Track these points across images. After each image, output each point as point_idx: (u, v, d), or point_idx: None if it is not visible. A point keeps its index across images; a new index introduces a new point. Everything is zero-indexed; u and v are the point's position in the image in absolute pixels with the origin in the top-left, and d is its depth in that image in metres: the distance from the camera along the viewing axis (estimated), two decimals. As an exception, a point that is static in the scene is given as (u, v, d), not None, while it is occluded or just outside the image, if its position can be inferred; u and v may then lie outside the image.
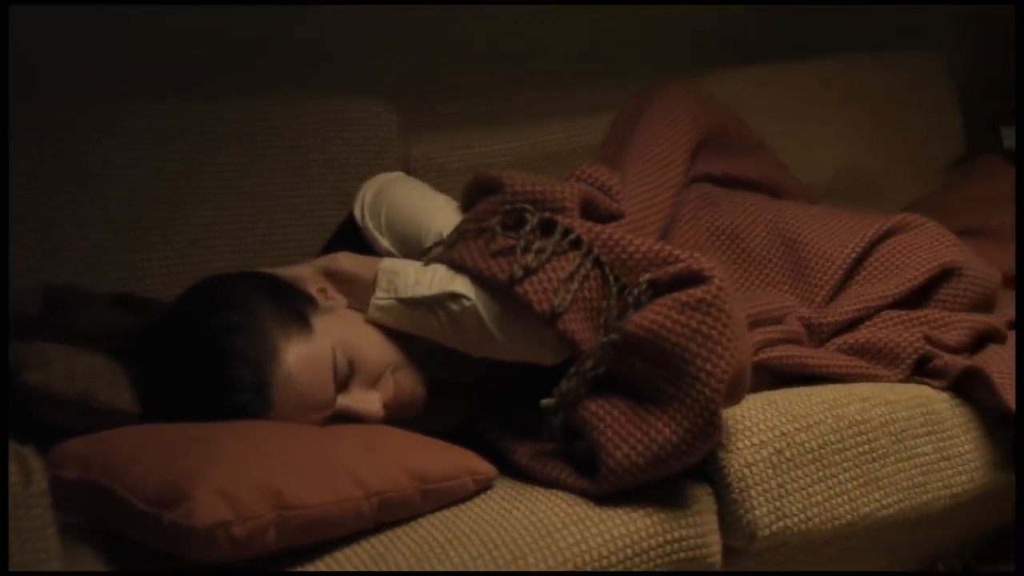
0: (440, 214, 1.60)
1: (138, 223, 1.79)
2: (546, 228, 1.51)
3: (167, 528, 1.13)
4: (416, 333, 1.51)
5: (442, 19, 2.35)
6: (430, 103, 2.23)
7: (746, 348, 1.39)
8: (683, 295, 1.35)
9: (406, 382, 1.50)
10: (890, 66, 2.67)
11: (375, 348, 1.48)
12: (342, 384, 1.43)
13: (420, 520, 1.32)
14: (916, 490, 1.58)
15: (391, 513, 1.29)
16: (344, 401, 1.43)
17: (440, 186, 2.00)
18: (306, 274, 1.54)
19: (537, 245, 1.48)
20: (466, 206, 1.63)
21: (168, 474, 1.18)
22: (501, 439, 1.51)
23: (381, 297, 1.50)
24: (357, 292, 1.53)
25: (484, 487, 1.40)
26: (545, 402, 1.42)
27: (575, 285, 1.45)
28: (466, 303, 1.47)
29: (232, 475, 1.17)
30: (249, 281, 1.46)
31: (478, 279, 1.48)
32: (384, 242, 1.61)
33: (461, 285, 1.48)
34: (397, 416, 1.48)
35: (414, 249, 1.58)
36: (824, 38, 2.81)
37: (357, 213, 1.64)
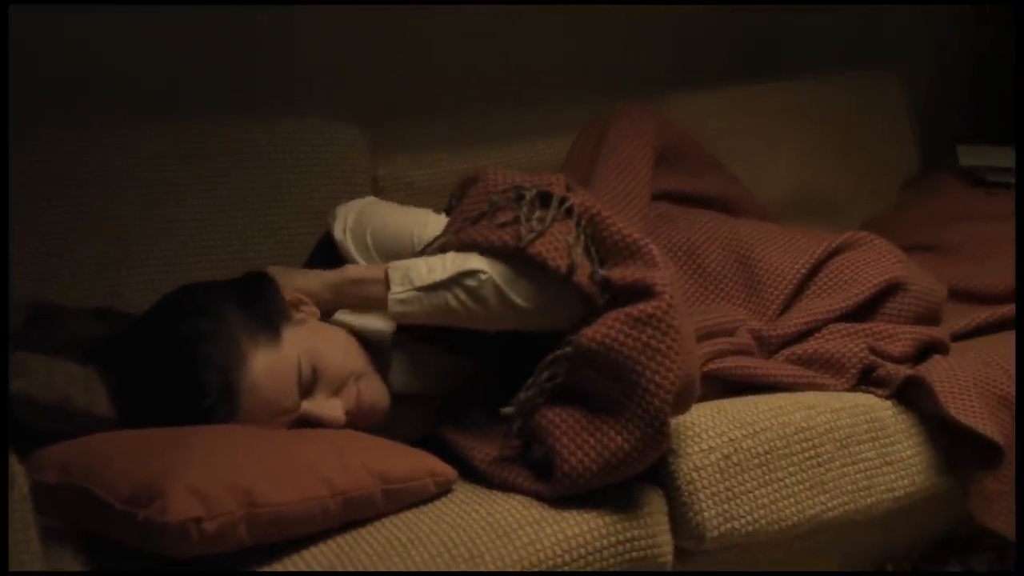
0: (428, 222, 1.68)
1: (117, 240, 1.85)
2: (543, 201, 1.59)
3: (141, 524, 1.20)
4: (440, 321, 1.57)
5: (409, 44, 2.42)
6: (397, 124, 2.30)
7: (694, 360, 1.46)
8: (634, 310, 1.43)
9: (368, 391, 1.56)
10: (848, 87, 2.75)
11: (340, 357, 1.54)
12: (306, 390, 1.50)
13: (383, 520, 1.38)
14: (860, 493, 1.66)
15: (355, 512, 1.36)
16: (308, 407, 1.49)
17: (408, 204, 2.08)
18: (313, 287, 1.61)
19: (538, 214, 1.56)
20: (451, 208, 1.71)
21: (142, 475, 1.25)
22: (461, 445, 1.57)
23: (398, 291, 1.55)
24: (372, 296, 1.58)
25: (445, 488, 1.47)
26: (505, 410, 1.50)
27: (579, 247, 1.53)
28: (483, 276, 1.53)
29: (204, 475, 1.24)
30: (221, 289, 1.53)
31: (490, 251, 1.55)
32: (364, 263, 1.67)
33: (475, 262, 1.54)
34: (359, 423, 1.54)
35: (403, 248, 1.65)
36: (784, 60, 2.89)
37: (339, 237, 1.69)
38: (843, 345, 1.80)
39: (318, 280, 1.62)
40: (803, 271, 1.91)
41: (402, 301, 1.54)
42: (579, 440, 1.43)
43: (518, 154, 2.23)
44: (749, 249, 1.95)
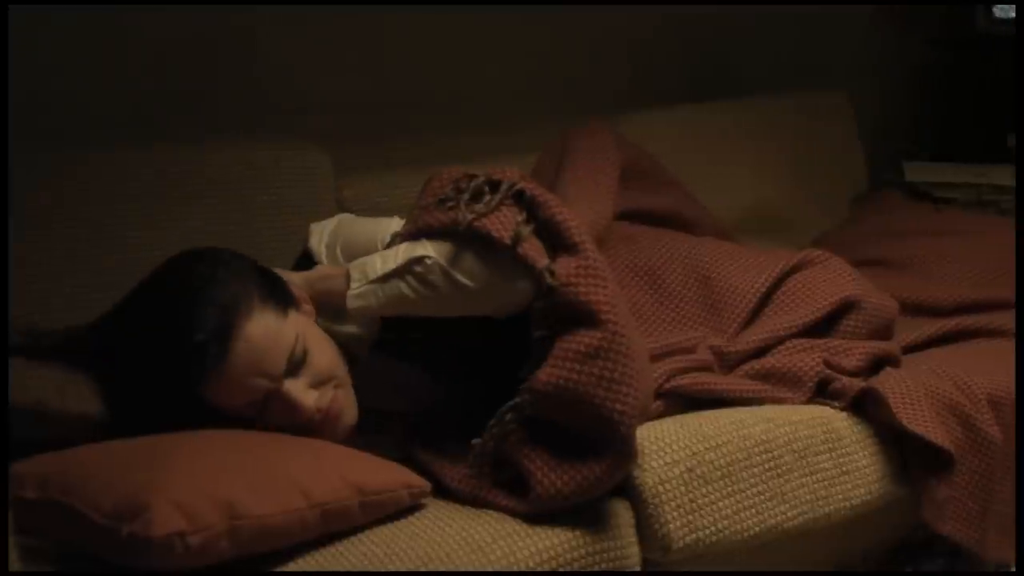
0: (392, 226, 1.72)
1: (87, 264, 1.86)
2: (492, 188, 1.63)
3: (126, 539, 1.22)
4: (396, 311, 1.60)
5: (371, 67, 2.46)
6: (360, 147, 2.33)
7: (648, 376, 1.52)
8: (582, 344, 1.46)
9: (343, 400, 1.58)
10: (797, 106, 2.82)
11: (329, 356, 1.57)
12: (292, 369, 1.51)
13: (360, 536, 1.41)
14: (818, 503, 1.72)
15: (333, 523, 1.38)
16: (287, 386, 1.50)
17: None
18: (296, 279, 1.64)
19: (487, 198, 1.60)
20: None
21: (124, 488, 1.27)
22: (433, 465, 1.60)
23: (355, 286, 1.59)
24: (334, 290, 1.61)
25: (419, 499, 1.50)
26: (475, 442, 1.53)
27: (527, 228, 1.57)
28: (428, 261, 1.57)
29: (186, 487, 1.26)
30: (247, 258, 1.58)
31: (436, 233, 1.60)
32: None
33: (421, 248, 1.59)
34: (325, 429, 1.55)
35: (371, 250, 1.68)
36: (735, 80, 2.96)
37: (316, 251, 1.73)
38: (799, 360, 1.86)
39: (298, 277, 1.66)
40: (763, 290, 1.96)
41: (359, 295, 1.58)
42: (551, 465, 1.48)
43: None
44: (709, 269, 2.00)
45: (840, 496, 1.74)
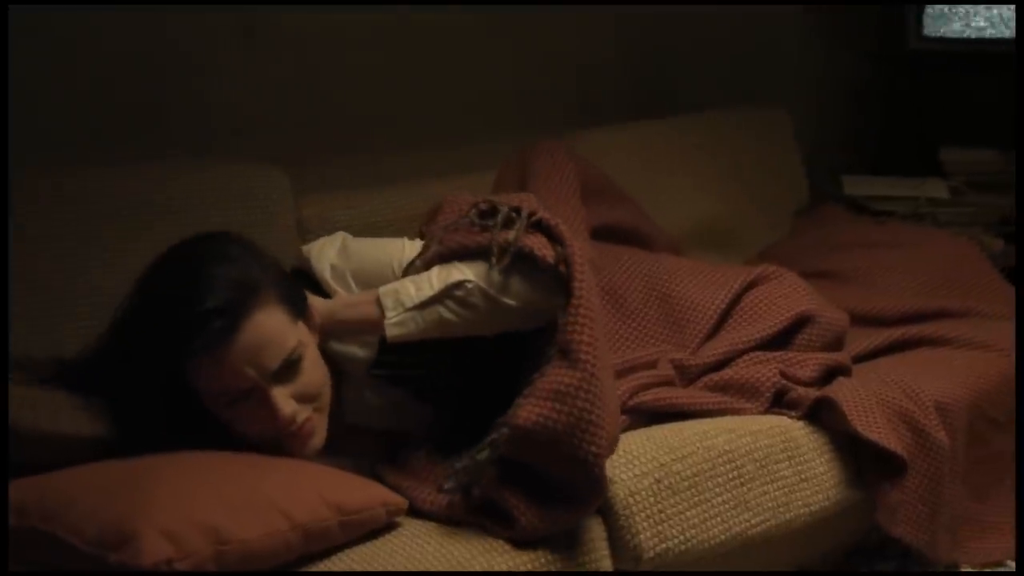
0: (405, 248, 1.74)
1: (46, 287, 1.84)
2: (515, 213, 1.68)
3: (113, 568, 1.22)
4: (437, 334, 1.62)
5: (324, 85, 2.47)
6: (317, 166, 2.34)
7: (617, 415, 1.58)
8: (560, 384, 1.48)
9: (317, 422, 1.58)
10: (740, 122, 2.88)
11: (319, 378, 1.58)
12: (283, 374, 1.52)
13: (340, 556, 1.43)
14: (780, 510, 1.77)
15: (314, 544, 1.40)
16: (273, 388, 1.51)
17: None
18: (318, 304, 1.65)
19: (517, 225, 1.64)
20: (422, 235, 1.78)
21: (109, 516, 1.27)
22: (405, 485, 1.61)
23: (392, 316, 1.60)
24: (366, 317, 1.63)
25: (395, 517, 1.52)
26: (448, 487, 1.55)
27: (553, 251, 1.63)
28: (469, 285, 1.61)
29: (172, 514, 1.27)
30: (275, 259, 1.61)
31: (472, 255, 1.63)
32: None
33: (458, 273, 1.61)
34: (291, 444, 1.55)
35: (384, 277, 1.70)
36: (680, 98, 3.01)
37: (323, 276, 1.72)
38: (756, 371, 1.92)
39: (320, 303, 1.66)
40: (723, 306, 2.02)
41: (398, 323, 1.60)
42: (526, 504, 1.50)
43: (440, 191, 2.26)
44: (669, 287, 2.05)
45: (800, 503, 1.79)
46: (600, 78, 2.92)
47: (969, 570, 2.03)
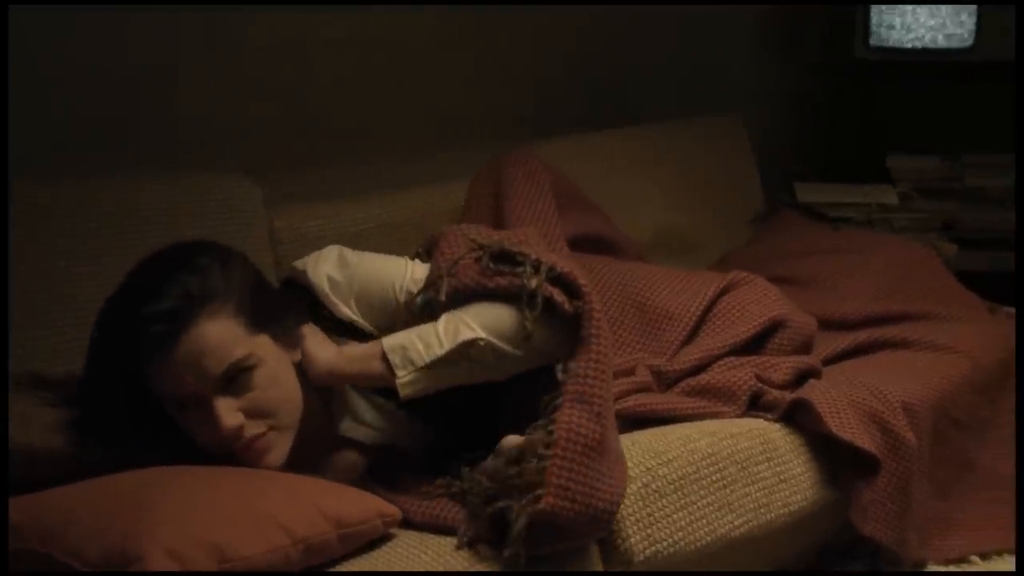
0: (407, 271, 1.73)
1: (22, 300, 1.81)
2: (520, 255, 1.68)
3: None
4: (449, 385, 1.62)
5: (296, 100, 2.47)
6: (289, 177, 2.33)
7: (624, 465, 1.59)
8: (586, 438, 1.48)
9: (273, 441, 1.55)
10: (696, 131, 2.93)
11: (279, 397, 1.56)
12: (229, 385, 1.50)
13: (339, 568, 1.42)
14: (761, 511, 1.80)
15: (314, 558, 1.39)
16: (216, 399, 1.49)
17: (304, 253, 2.10)
18: (330, 354, 1.64)
19: (540, 274, 1.64)
20: (419, 255, 1.78)
21: (112, 537, 1.25)
22: (396, 497, 1.60)
23: (403, 376, 1.59)
24: (373, 373, 1.61)
25: (391, 527, 1.51)
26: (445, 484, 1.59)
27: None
28: (480, 343, 1.60)
29: (176, 533, 1.26)
30: (255, 272, 1.60)
31: (490, 295, 1.62)
32: (346, 310, 1.70)
33: (467, 331, 1.60)
34: (243, 456, 1.53)
35: (383, 309, 1.70)
36: (636, 108, 3.06)
37: (323, 290, 1.71)
38: (732, 375, 1.94)
39: (331, 351, 1.64)
40: (698, 313, 2.05)
41: (410, 383, 1.59)
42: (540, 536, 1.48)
43: (412, 201, 2.29)
44: (644, 296, 2.07)
45: (780, 503, 1.82)
46: (559, 89, 2.96)
47: (936, 568, 2.07)
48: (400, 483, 1.65)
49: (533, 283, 1.61)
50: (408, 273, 1.72)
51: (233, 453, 1.52)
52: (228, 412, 1.49)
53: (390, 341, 1.62)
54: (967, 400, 2.20)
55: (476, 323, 1.61)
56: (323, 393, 1.66)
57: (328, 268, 1.74)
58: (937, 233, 2.99)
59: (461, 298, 1.65)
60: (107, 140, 2.19)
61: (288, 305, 1.64)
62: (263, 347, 1.54)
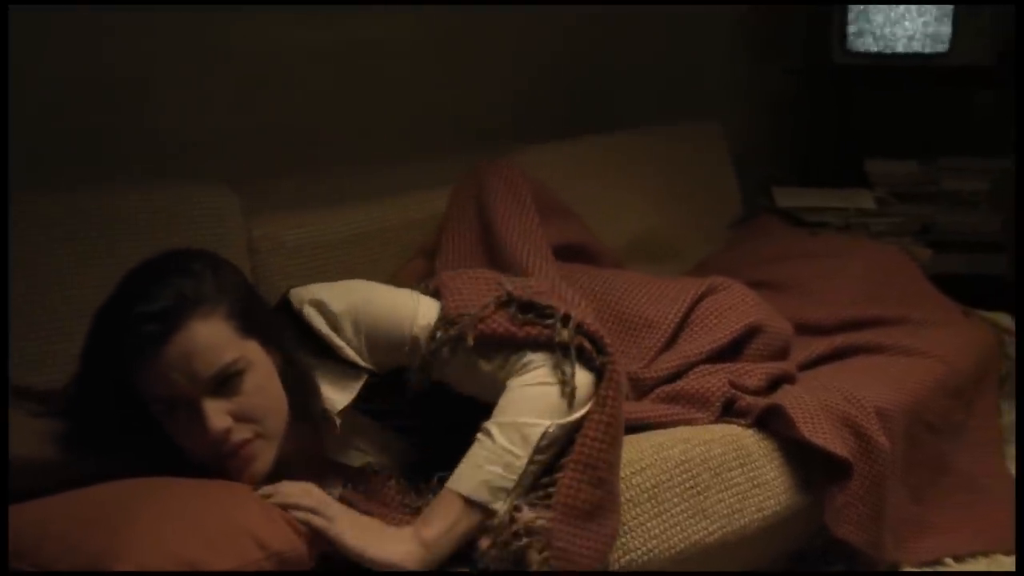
0: (419, 311, 1.67)
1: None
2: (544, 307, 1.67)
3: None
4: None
5: (274, 109, 2.49)
6: (267, 186, 2.35)
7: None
8: (583, 503, 1.52)
9: (258, 450, 1.53)
10: (675, 137, 2.96)
11: (266, 403, 1.54)
12: (219, 388, 1.49)
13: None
14: (734, 516, 1.82)
15: (287, 568, 1.40)
16: (205, 401, 1.47)
17: (282, 263, 2.13)
18: (428, 538, 1.54)
19: (571, 327, 1.63)
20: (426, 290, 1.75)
21: (84, 553, 1.26)
22: (373, 512, 1.59)
23: (503, 506, 1.51)
24: (470, 529, 1.53)
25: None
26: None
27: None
28: (550, 431, 1.55)
29: (149, 550, 1.26)
30: (245, 282, 1.60)
31: (521, 345, 1.62)
32: (351, 353, 1.66)
33: (530, 428, 1.54)
34: (228, 465, 1.51)
35: (389, 347, 1.66)
36: (615, 114, 3.08)
37: (325, 331, 1.65)
38: (706, 382, 1.97)
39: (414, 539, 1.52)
40: (676, 320, 2.07)
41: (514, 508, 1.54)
42: None
43: (391, 211, 2.31)
44: (623, 304, 2.09)
45: (754, 508, 1.84)
46: (538, 96, 2.98)
47: (910, 570, 2.10)
48: (382, 498, 1.64)
49: (564, 335, 1.61)
50: (420, 310, 1.68)
51: (219, 460, 1.51)
52: (217, 414, 1.48)
53: (465, 485, 1.52)
54: (941, 404, 2.23)
55: (530, 415, 1.56)
56: (314, 416, 1.64)
57: (333, 306, 1.67)
58: (912, 237, 3.02)
59: (488, 344, 1.63)
60: (87, 153, 2.20)
61: (280, 321, 1.63)
62: (253, 352, 1.54)
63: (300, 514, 1.45)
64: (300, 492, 1.49)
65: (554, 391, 1.58)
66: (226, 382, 1.50)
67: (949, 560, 2.13)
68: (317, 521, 1.45)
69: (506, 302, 1.66)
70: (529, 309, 1.65)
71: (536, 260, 2.07)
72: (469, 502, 1.50)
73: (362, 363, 1.65)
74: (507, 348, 1.63)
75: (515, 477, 1.52)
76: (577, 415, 1.58)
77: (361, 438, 1.69)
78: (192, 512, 1.37)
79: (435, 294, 1.72)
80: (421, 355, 1.65)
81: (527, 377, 1.60)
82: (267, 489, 1.48)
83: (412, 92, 2.72)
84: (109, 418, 1.50)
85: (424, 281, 1.79)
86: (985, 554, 2.16)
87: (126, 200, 2.00)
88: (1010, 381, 2.59)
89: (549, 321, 1.63)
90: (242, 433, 1.51)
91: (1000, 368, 2.49)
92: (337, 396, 1.64)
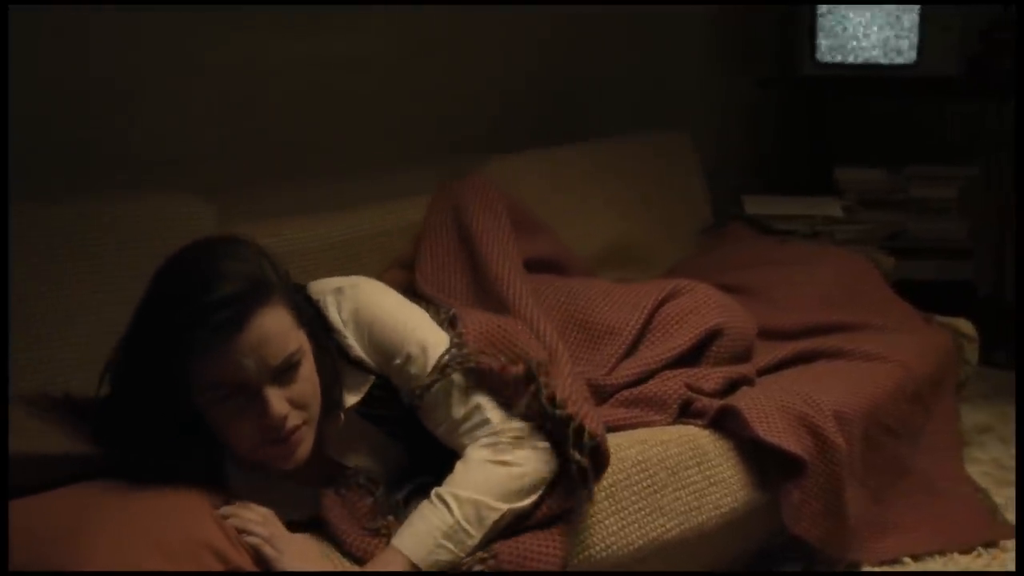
0: (427, 346, 1.70)
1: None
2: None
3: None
4: None
5: (249, 119, 2.53)
6: (243, 195, 2.37)
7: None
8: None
9: (305, 434, 1.56)
10: (648, 147, 3.01)
11: (312, 391, 1.58)
12: (280, 375, 1.52)
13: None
14: (692, 513, 1.87)
15: (247, 582, 1.44)
16: (268, 387, 1.51)
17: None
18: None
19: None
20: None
21: (49, 567, 1.30)
22: (337, 521, 1.66)
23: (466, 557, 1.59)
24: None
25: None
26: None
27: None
28: (506, 515, 1.62)
29: (111, 567, 1.31)
30: (286, 271, 1.62)
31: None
32: (359, 352, 1.70)
33: (489, 511, 1.60)
34: (277, 449, 1.55)
35: (387, 359, 1.70)
36: (589, 124, 3.14)
37: (338, 326, 1.69)
38: (664, 385, 2.03)
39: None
40: (638, 326, 2.12)
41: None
42: None
43: (367, 220, 2.34)
44: (586, 312, 2.14)
45: (711, 506, 1.90)
46: (511, 106, 3.03)
47: (870, 569, 2.15)
48: (352, 504, 1.68)
49: (575, 455, 1.64)
50: (426, 349, 1.70)
51: (264, 447, 1.54)
52: (278, 401, 1.51)
53: (416, 553, 1.57)
54: (900, 408, 2.29)
55: (492, 497, 1.61)
56: (338, 407, 1.68)
57: (345, 307, 1.72)
58: (879, 244, 3.07)
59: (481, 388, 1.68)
60: (64, 164, 2.23)
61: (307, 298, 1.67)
62: (304, 341, 1.58)
63: (253, 539, 1.50)
64: (258, 519, 1.53)
65: (517, 476, 1.63)
66: (288, 370, 1.53)
67: (908, 559, 2.18)
68: (267, 551, 1.50)
69: (528, 378, 1.69)
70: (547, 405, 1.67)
71: (513, 276, 2.10)
72: (414, 565, 1.56)
73: (369, 363, 1.69)
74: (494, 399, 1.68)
75: (463, 553, 1.58)
76: (528, 502, 1.63)
77: (360, 441, 1.72)
78: (154, 526, 1.40)
79: (450, 323, 1.76)
80: (413, 375, 1.68)
81: (489, 453, 1.64)
82: (227, 510, 1.52)
83: (387, 103, 2.77)
84: (150, 412, 1.51)
85: (442, 308, 1.83)
86: (943, 553, 2.21)
87: (102, 211, 2.03)
88: (969, 386, 2.66)
89: (564, 428, 1.65)
90: (295, 420, 1.55)
91: (959, 373, 2.54)
92: (346, 394, 1.68)
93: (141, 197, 2.12)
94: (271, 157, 2.54)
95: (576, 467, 1.64)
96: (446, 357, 1.68)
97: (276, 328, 1.52)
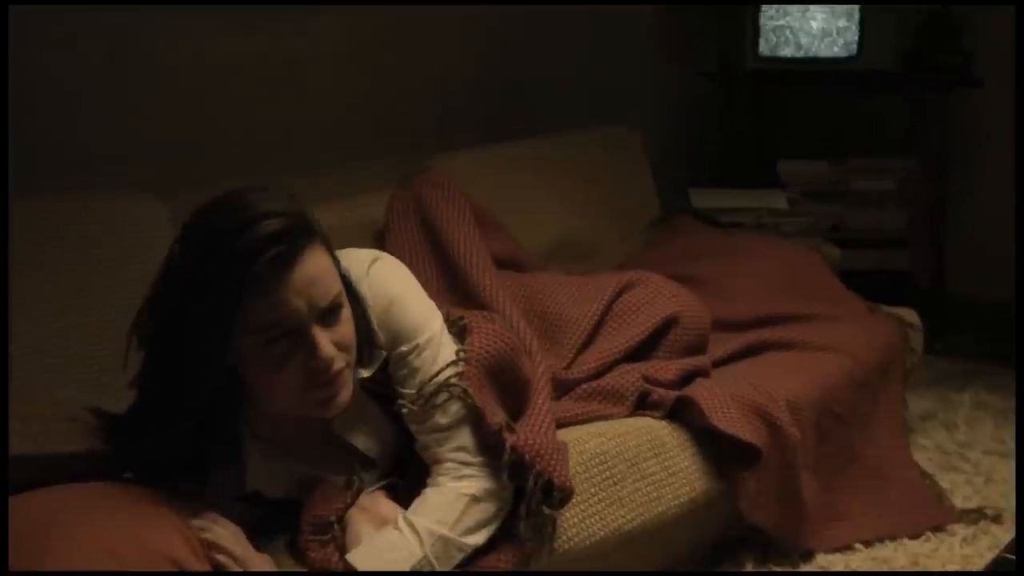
0: (439, 358, 1.68)
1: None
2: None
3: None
4: None
5: (199, 117, 2.52)
6: (196, 195, 2.35)
7: None
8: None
9: (347, 377, 1.56)
10: (595, 142, 3.03)
11: (351, 334, 1.57)
12: (326, 316, 1.52)
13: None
14: (651, 504, 1.90)
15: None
16: (316, 328, 1.50)
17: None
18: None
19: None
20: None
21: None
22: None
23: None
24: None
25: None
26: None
27: None
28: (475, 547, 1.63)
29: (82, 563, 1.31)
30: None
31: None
32: (375, 324, 1.67)
33: (457, 551, 1.61)
34: (323, 392, 1.54)
35: (401, 339, 1.68)
36: (536, 119, 3.15)
37: (361, 287, 1.66)
38: (621, 379, 2.04)
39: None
40: (595, 317, 2.14)
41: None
42: None
43: (324, 218, 2.30)
44: (544, 304, 2.16)
45: (670, 496, 1.93)
46: (458, 102, 3.04)
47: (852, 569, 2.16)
48: (325, 494, 1.66)
49: (545, 510, 1.65)
50: (440, 351, 1.69)
51: (310, 390, 1.53)
52: (326, 341, 1.51)
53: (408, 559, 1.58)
54: (848, 396, 2.33)
55: (466, 534, 1.62)
56: (373, 361, 1.67)
57: (375, 281, 1.68)
58: (823, 236, 3.12)
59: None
60: (14, 163, 2.19)
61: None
62: (342, 286, 1.57)
63: (221, 557, 1.49)
64: (230, 537, 1.52)
65: (482, 510, 1.63)
66: (332, 312, 1.52)
67: (859, 545, 2.22)
68: (233, 569, 1.50)
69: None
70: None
71: (485, 272, 2.13)
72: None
73: (380, 338, 1.67)
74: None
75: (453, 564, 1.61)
76: (485, 537, 1.64)
77: (365, 421, 1.71)
78: (110, 536, 1.40)
79: (460, 333, 1.76)
80: (415, 368, 1.67)
81: (462, 484, 1.64)
82: (201, 523, 1.52)
83: (335, 99, 2.76)
84: (190, 369, 1.50)
85: (452, 312, 1.81)
86: (892, 538, 2.25)
87: (57, 211, 2.02)
88: (916, 373, 2.71)
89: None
90: (341, 361, 1.54)
91: (905, 361, 2.59)
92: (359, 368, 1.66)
93: (91, 196, 2.11)
94: (222, 155, 2.52)
95: (536, 519, 1.66)
96: (450, 373, 1.67)
97: (323, 268, 1.51)
